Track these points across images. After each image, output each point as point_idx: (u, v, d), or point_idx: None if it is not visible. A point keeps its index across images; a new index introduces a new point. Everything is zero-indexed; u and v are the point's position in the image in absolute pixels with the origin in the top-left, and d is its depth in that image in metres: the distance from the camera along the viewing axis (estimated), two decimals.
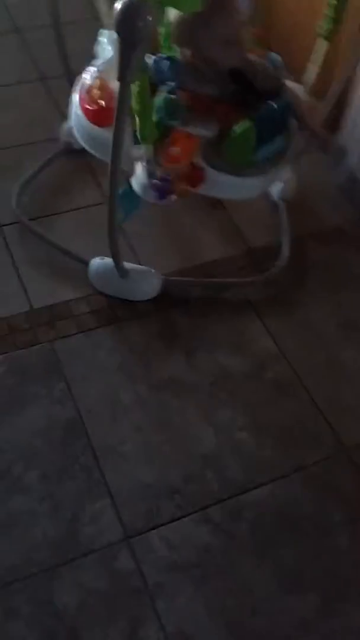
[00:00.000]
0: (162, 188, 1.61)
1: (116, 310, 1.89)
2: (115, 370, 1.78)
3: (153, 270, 1.90)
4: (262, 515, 1.57)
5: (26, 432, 1.63)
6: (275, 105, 1.69)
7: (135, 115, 1.55)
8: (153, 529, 1.52)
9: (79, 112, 1.75)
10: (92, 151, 1.78)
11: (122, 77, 1.34)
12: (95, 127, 1.71)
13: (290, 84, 1.84)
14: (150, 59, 1.68)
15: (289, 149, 1.78)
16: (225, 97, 1.67)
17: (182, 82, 1.65)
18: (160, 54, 1.72)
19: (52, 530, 1.50)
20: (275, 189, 2.17)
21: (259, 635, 1.41)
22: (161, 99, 1.58)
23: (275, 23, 2.50)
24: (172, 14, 1.65)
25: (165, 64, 1.63)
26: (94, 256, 1.90)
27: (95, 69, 1.78)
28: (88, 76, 1.77)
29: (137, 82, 1.42)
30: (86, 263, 1.91)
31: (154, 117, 1.58)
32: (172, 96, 1.59)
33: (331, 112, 2.24)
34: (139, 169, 1.65)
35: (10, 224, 2.04)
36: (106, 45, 1.83)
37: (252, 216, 2.16)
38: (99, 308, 1.89)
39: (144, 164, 1.62)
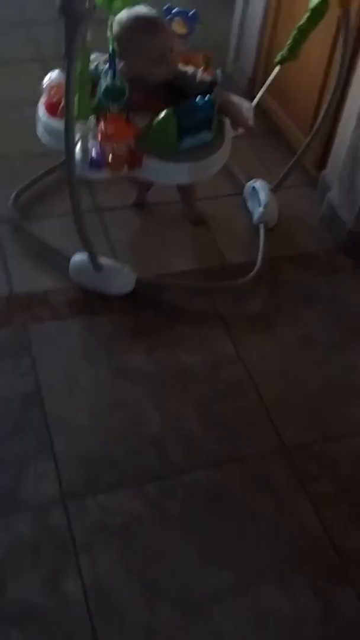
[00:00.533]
0: (95, 161, 1.80)
1: (90, 303, 2.03)
2: (80, 354, 1.91)
3: (127, 267, 2.04)
4: (195, 496, 1.66)
5: None
6: (197, 101, 1.85)
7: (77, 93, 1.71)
8: (90, 494, 1.62)
9: (40, 107, 1.97)
10: (51, 143, 1.95)
11: (67, 54, 1.54)
12: (51, 119, 1.92)
13: (235, 96, 2.04)
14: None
15: (219, 143, 1.93)
16: (158, 98, 1.87)
17: None
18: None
19: None
20: (257, 213, 2.32)
21: (168, 598, 1.48)
22: (104, 83, 1.78)
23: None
24: (113, 27, 1.87)
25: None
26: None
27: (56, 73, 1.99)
28: (48, 77, 1.99)
29: (80, 64, 1.61)
30: (68, 259, 2.06)
31: (96, 98, 1.79)
32: (116, 82, 1.77)
33: (319, 150, 2.42)
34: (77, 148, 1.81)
35: (6, 221, 2.22)
36: None
37: (232, 236, 2.31)
38: (74, 299, 2.03)
39: (80, 141, 1.79)
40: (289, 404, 1.88)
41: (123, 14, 1.87)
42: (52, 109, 1.94)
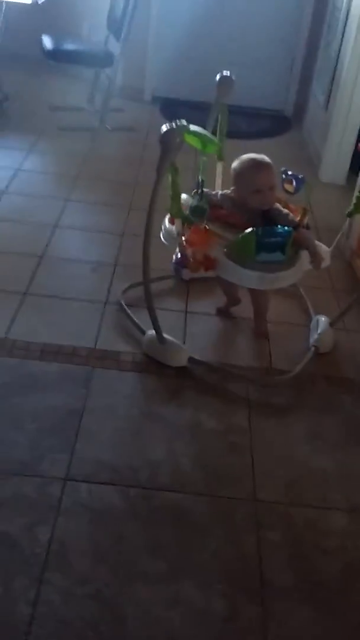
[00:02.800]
0: (179, 262, 2.37)
1: (149, 366, 2.58)
2: (124, 396, 2.44)
3: (184, 347, 2.58)
4: (163, 508, 2.06)
5: (40, 407, 2.34)
6: (278, 227, 2.38)
7: (170, 199, 2.34)
8: (86, 482, 2.10)
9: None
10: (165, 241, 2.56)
11: (158, 172, 2.19)
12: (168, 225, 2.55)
13: (318, 242, 2.55)
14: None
15: (289, 266, 2.42)
16: (253, 221, 2.43)
17: (227, 205, 2.52)
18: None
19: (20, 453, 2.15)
20: (313, 337, 2.77)
21: (108, 563, 1.88)
22: (192, 204, 2.41)
23: None
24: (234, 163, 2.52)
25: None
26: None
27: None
28: None
29: (171, 177, 2.24)
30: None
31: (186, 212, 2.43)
32: (201, 203, 2.39)
33: None
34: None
35: (114, 304, 2.91)
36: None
37: (288, 351, 2.77)
38: (139, 361, 2.60)
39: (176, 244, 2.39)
40: (274, 473, 2.23)
41: (244, 155, 2.53)
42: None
